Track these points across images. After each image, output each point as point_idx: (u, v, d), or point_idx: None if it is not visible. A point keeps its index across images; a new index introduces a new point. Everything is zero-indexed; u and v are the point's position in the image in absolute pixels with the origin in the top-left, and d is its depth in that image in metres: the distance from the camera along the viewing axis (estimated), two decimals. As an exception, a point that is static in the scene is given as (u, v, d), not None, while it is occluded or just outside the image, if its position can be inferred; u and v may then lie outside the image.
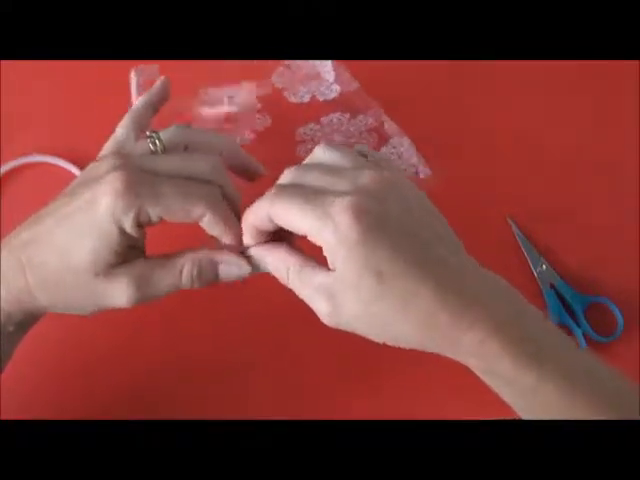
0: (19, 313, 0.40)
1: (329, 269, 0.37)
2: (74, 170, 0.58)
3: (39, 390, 0.53)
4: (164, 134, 0.42)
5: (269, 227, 0.39)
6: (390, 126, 0.59)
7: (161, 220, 0.38)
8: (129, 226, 0.37)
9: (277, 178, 0.40)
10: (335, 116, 0.58)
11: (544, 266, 0.59)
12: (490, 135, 0.63)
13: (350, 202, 0.35)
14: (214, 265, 0.40)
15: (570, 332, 0.56)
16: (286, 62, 0.61)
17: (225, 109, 0.59)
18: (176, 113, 0.55)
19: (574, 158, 0.63)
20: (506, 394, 0.39)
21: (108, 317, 0.51)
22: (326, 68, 0.60)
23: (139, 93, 0.58)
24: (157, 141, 0.41)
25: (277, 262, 0.39)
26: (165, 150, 0.41)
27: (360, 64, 0.60)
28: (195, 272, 0.40)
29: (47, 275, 0.39)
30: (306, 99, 0.59)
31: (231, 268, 0.40)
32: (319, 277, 0.37)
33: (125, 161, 0.39)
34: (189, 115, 0.58)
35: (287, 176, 0.40)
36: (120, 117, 0.60)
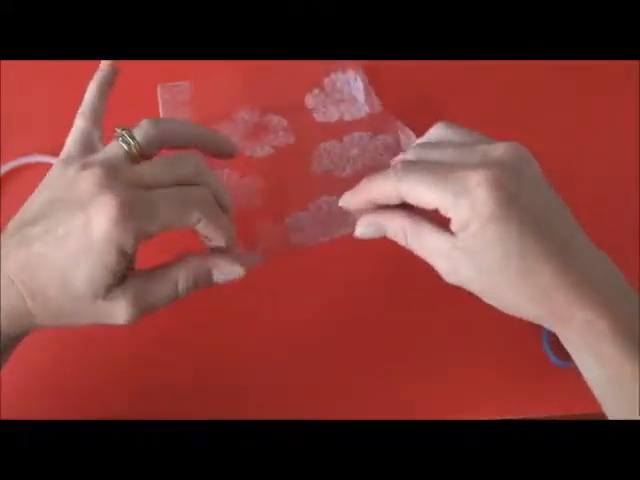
0: (18, 331, 0.40)
1: (447, 230, 0.38)
2: (74, 170, 0.58)
3: (39, 390, 0.53)
4: (137, 132, 0.40)
5: (392, 202, 0.40)
6: (405, 142, 0.58)
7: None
8: (129, 247, 0.37)
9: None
10: (357, 134, 0.58)
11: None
12: (488, 135, 0.63)
13: (487, 175, 0.36)
14: (208, 272, 0.41)
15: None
16: (324, 82, 0.60)
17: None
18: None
19: (574, 158, 0.63)
20: (599, 378, 0.39)
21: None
22: (358, 88, 0.60)
23: (166, 110, 0.57)
24: (131, 140, 0.40)
25: (395, 226, 0.40)
26: (141, 149, 0.40)
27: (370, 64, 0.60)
28: (191, 282, 0.40)
29: (48, 302, 0.38)
30: (334, 119, 0.59)
31: (225, 273, 0.41)
32: (437, 240, 0.39)
33: (111, 178, 0.37)
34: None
35: (411, 152, 0.40)
36: (120, 117, 0.60)
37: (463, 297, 0.41)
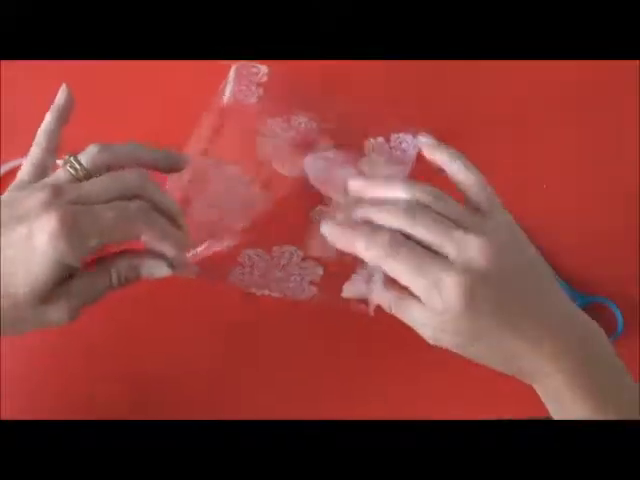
0: None
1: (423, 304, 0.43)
2: (74, 170, 0.58)
3: (39, 390, 0.53)
4: (83, 157, 0.42)
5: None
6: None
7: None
8: (71, 260, 0.38)
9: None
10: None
11: (544, 266, 0.59)
12: (488, 135, 0.63)
13: (458, 282, 0.40)
14: (136, 269, 0.42)
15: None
16: (391, 137, 0.57)
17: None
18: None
19: (574, 157, 0.63)
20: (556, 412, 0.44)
21: (108, 317, 0.51)
22: (411, 156, 0.57)
23: (239, 86, 0.57)
24: (78, 165, 0.42)
25: (379, 297, 0.45)
26: (88, 174, 0.42)
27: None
28: (122, 279, 0.42)
29: None
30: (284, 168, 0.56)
31: (151, 269, 0.43)
32: (420, 314, 0.43)
33: (54, 195, 0.39)
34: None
35: (399, 213, 0.43)
36: (120, 117, 0.61)
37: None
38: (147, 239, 0.41)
